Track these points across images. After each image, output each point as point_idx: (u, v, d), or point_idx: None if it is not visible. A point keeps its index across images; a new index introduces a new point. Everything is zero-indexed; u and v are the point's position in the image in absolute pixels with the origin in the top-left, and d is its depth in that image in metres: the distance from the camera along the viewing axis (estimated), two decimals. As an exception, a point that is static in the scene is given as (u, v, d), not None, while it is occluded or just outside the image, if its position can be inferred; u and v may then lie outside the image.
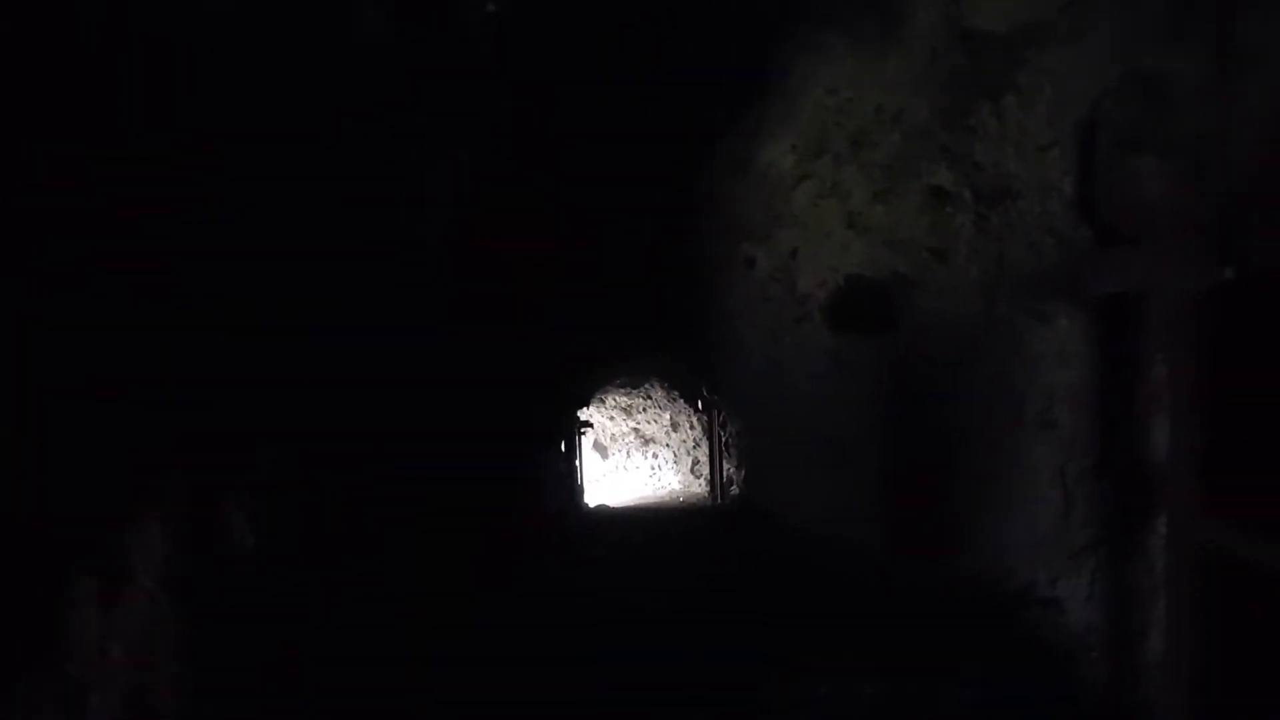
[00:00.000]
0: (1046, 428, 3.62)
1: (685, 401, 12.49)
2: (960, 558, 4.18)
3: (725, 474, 10.43)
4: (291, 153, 3.06)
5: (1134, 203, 2.86)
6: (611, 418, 15.12)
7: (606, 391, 13.01)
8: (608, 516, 10.58)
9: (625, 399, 14.06)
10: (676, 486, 14.07)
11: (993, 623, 3.61)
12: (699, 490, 12.85)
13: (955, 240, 4.30)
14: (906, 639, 3.95)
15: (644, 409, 14.34)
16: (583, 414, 12.16)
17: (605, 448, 16.08)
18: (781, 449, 7.23)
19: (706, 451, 11.90)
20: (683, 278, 7.79)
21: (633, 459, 15.72)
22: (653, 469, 15.32)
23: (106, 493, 2.44)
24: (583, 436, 12.35)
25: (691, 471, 13.75)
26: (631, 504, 12.40)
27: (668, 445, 14.82)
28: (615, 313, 8.14)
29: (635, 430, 15.34)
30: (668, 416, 14.04)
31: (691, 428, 13.18)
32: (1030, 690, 3.22)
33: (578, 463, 11.47)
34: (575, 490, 10.98)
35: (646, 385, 12.82)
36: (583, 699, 3.88)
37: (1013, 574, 3.77)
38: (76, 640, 2.36)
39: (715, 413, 10.64)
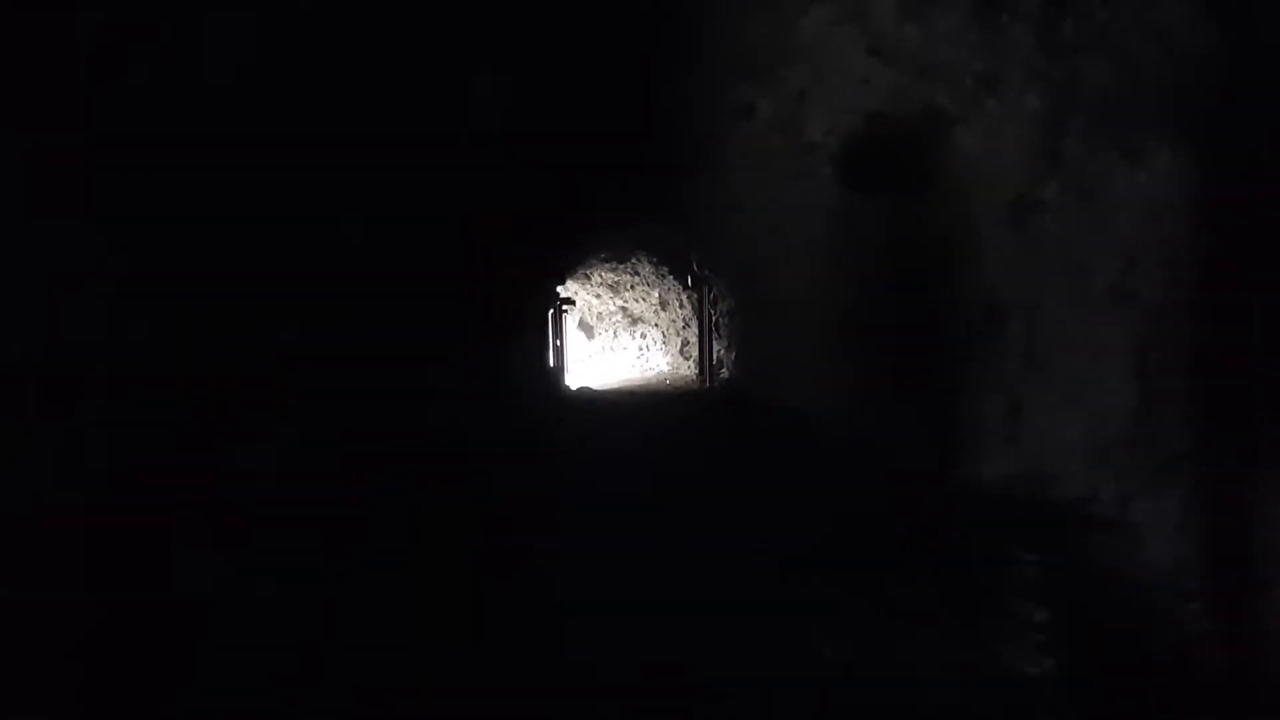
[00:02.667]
0: (1122, 300, 2.82)
1: (675, 278, 11.66)
2: (992, 457, 3.49)
3: (716, 356, 9.74)
4: None
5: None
6: (598, 295, 14.29)
7: (591, 267, 12.11)
8: (588, 400, 9.97)
9: (612, 275, 13.19)
10: (665, 368, 13.46)
11: (1034, 544, 2.92)
12: (688, 373, 12.22)
13: (1010, 60, 3.36)
14: (920, 556, 3.26)
15: (632, 286, 13.50)
16: (564, 290, 11.36)
17: (591, 327, 15.35)
18: (778, 328, 6.48)
19: (696, 332, 11.17)
20: (671, 131, 6.78)
21: (620, 339, 15.03)
22: (641, 350, 14.66)
23: None
24: (565, 315, 11.61)
25: (680, 353, 13.09)
26: (616, 386, 11.81)
27: (656, 325, 14.10)
28: (595, 172, 7.17)
29: (623, 309, 14.56)
30: (656, 294, 13.23)
31: (681, 306, 12.41)
32: (1084, 642, 2.48)
33: (559, 343, 10.77)
34: (554, 372, 10.31)
35: (634, 260, 11.92)
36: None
37: (1061, 483, 3.07)
38: None
39: (705, 289, 9.83)
